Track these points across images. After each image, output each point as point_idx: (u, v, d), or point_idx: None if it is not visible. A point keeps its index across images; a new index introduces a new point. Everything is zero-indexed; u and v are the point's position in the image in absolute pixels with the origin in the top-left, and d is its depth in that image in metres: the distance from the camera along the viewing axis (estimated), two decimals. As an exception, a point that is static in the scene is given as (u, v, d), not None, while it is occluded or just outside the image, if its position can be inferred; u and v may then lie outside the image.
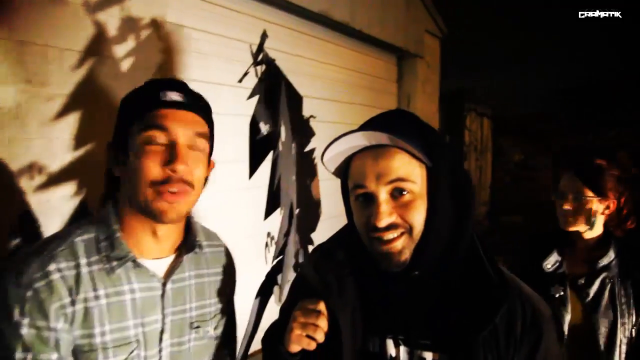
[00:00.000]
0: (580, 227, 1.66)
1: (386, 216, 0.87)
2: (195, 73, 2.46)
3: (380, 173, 0.88)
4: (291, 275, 1.81)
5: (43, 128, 1.67)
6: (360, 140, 0.91)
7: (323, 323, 0.90)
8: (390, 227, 0.88)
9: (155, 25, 2.04)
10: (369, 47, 4.14)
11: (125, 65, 1.92)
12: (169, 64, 2.17)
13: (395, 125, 0.90)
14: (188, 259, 1.05)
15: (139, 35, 1.99)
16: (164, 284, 0.99)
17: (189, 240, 1.05)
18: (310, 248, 1.87)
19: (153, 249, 1.00)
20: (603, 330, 1.61)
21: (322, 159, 0.96)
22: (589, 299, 1.64)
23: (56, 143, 1.71)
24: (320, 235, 2.33)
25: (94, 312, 0.90)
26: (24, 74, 1.62)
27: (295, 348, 0.92)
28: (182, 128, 0.94)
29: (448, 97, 6.93)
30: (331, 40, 3.62)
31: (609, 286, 1.63)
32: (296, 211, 1.79)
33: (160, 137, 0.93)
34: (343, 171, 0.99)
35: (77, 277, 0.90)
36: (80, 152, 1.77)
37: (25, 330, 0.84)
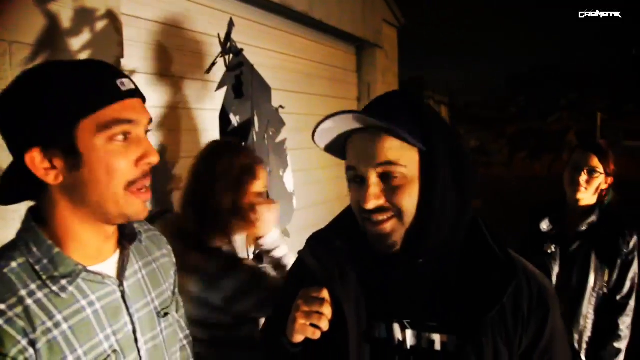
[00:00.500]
0: (587, 196, 2.00)
1: (373, 198, 0.86)
2: (153, 66, 2.38)
3: (369, 155, 0.87)
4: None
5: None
6: (352, 122, 0.89)
7: (327, 311, 0.88)
8: (378, 209, 0.87)
9: (111, 17, 1.95)
10: (328, 38, 4.13)
11: (82, 58, 1.83)
12: (126, 57, 2.09)
13: (388, 109, 0.88)
14: (131, 251, 0.97)
15: (94, 27, 1.89)
16: (121, 284, 0.91)
17: (128, 230, 0.96)
18: (286, 240, 1.84)
19: (100, 251, 0.90)
20: (575, 281, 1.95)
21: (312, 136, 0.94)
22: (569, 254, 1.99)
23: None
24: (295, 226, 2.31)
25: (60, 341, 0.80)
26: (-29, 69, 1.51)
27: (299, 338, 0.89)
28: (144, 118, 0.87)
29: (407, 86, 7.03)
30: (291, 32, 3.59)
31: (587, 246, 1.97)
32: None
33: (129, 131, 0.83)
34: (340, 150, 0.97)
35: (26, 313, 0.78)
36: (38, 151, 1.68)
37: None
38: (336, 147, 0.97)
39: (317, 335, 0.88)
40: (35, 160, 0.80)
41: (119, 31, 1.99)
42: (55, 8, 1.75)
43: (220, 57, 1.67)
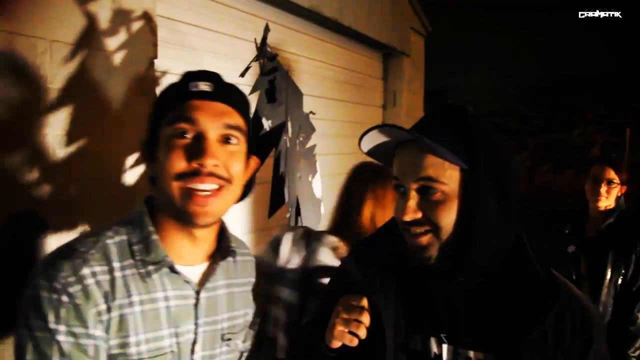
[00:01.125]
0: (607, 203, 2.32)
1: (411, 212, 0.88)
2: (186, 67, 2.41)
3: (411, 169, 0.88)
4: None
5: (33, 123, 1.60)
6: (399, 134, 0.91)
7: (366, 319, 0.88)
8: (416, 222, 0.89)
9: (146, 18, 1.98)
10: (356, 44, 4.14)
11: (117, 58, 1.86)
12: (160, 58, 2.12)
13: (433, 125, 0.90)
14: (220, 266, 0.98)
15: (129, 28, 1.93)
16: (198, 292, 0.93)
17: (223, 246, 0.99)
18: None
19: (188, 254, 0.93)
20: (594, 276, 2.25)
21: (359, 142, 0.95)
22: (589, 252, 2.31)
23: (48, 138, 1.64)
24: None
25: (129, 319, 0.84)
26: (13, 66, 1.55)
27: (336, 344, 0.90)
28: (211, 120, 0.88)
29: (432, 95, 6.97)
30: (320, 37, 3.60)
31: (606, 244, 2.27)
32: (302, 209, 1.76)
33: (188, 130, 0.87)
34: (390, 160, 0.99)
35: (112, 283, 0.84)
36: (73, 147, 1.71)
37: (62, 338, 0.78)
38: (385, 155, 0.98)
39: (354, 342, 0.88)
40: (143, 153, 0.96)
41: (153, 32, 2.02)
42: (93, 8, 1.78)
43: (255, 61, 1.69)
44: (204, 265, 0.96)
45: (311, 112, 1.81)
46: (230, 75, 2.76)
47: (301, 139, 1.75)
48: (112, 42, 1.85)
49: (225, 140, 0.90)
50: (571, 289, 0.91)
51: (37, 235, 1.63)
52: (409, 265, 0.94)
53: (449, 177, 0.86)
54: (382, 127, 0.90)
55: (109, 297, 0.83)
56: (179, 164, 0.85)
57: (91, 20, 1.77)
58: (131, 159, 1.91)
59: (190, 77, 0.92)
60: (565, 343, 0.84)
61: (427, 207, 0.88)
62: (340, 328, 0.88)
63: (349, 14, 3.62)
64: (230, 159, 0.90)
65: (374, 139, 0.93)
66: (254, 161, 1.01)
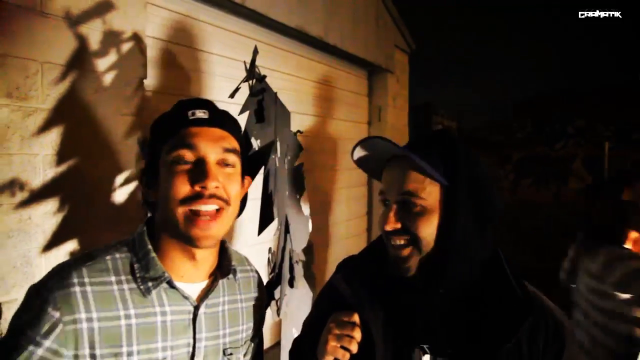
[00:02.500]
0: None
1: (392, 222, 0.95)
2: (175, 87, 2.45)
3: (395, 184, 0.96)
4: (288, 289, 1.81)
5: (24, 143, 1.62)
6: (387, 148, 0.98)
7: (357, 335, 0.93)
8: (396, 232, 0.95)
9: (136, 39, 2.02)
10: (341, 62, 4.21)
11: (107, 79, 1.89)
12: (149, 79, 2.15)
13: (419, 145, 0.97)
14: (223, 283, 1.02)
15: (119, 49, 1.96)
16: (197, 308, 0.96)
17: (224, 264, 1.03)
18: (301, 263, 1.87)
19: (190, 273, 0.97)
20: None
21: (351, 155, 1.03)
22: None
23: (38, 159, 1.66)
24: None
25: (122, 331, 0.87)
26: (4, 87, 1.57)
27: (329, 359, 0.93)
28: (210, 144, 0.93)
29: (416, 111, 7.09)
30: (305, 56, 3.67)
31: None
32: (290, 226, 1.79)
33: (189, 156, 0.91)
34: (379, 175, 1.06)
35: (103, 295, 0.87)
36: (63, 167, 1.73)
37: (24, 342, 0.80)
38: (375, 171, 1.06)
39: (346, 357, 0.92)
40: (141, 181, 0.99)
41: (143, 53, 2.06)
42: (84, 30, 1.82)
43: (244, 82, 1.73)
44: (205, 283, 1.00)
45: (299, 131, 1.85)
46: (218, 95, 2.82)
47: (289, 157, 1.79)
48: (102, 63, 1.88)
49: (223, 163, 0.95)
50: (544, 301, 0.96)
51: (28, 253, 1.64)
52: (393, 280, 0.99)
53: (428, 192, 0.93)
54: (374, 139, 0.97)
55: (94, 307, 0.85)
56: (183, 189, 0.90)
57: (82, 41, 1.80)
58: (120, 178, 1.93)
59: (187, 105, 0.97)
60: (539, 352, 0.90)
61: (406, 218, 0.95)
62: (333, 343, 0.93)
63: (334, 33, 3.70)
64: (228, 181, 0.94)
65: (365, 150, 1.01)
66: (248, 181, 1.06)
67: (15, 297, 1.59)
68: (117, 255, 0.93)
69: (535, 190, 18.52)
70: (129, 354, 0.87)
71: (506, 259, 0.99)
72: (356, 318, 0.94)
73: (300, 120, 3.50)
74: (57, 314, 0.82)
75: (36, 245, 1.66)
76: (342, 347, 0.92)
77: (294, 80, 3.52)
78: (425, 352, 0.94)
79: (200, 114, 0.95)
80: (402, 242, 0.94)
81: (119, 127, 1.93)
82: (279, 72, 3.32)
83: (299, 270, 1.84)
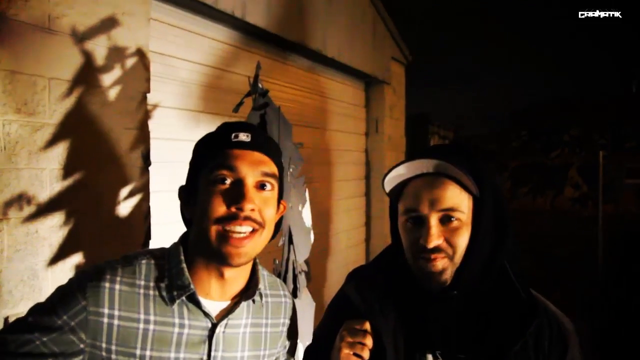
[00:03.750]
0: None
1: (435, 239, 0.95)
2: (178, 100, 2.49)
3: (433, 200, 0.96)
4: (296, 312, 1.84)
5: (32, 158, 1.66)
6: (418, 167, 0.99)
7: (369, 342, 0.96)
8: (436, 249, 0.96)
9: (140, 54, 2.06)
10: (339, 74, 4.27)
11: (112, 94, 1.93)
12: (153, 93, 2.19)
13: (451, 156, 0.98)
14: (248, 305, 1.02)
15: (123, 64, 2.00)
16: (215, 326, 0.97)
17: (251, 287, 1.03)
18: (304, 274, 1.90)
19: (216, 291, 0.98)
20: None
21: (382, 182, 1.04)
22: None
23: (45, 173, 1.69)
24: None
25: (139, 334, 0.90)
26: (13, 103, 1.61)
27: None
28: (250, 167, 0.95)
29: (413, 121, 7.14)
30: (304, 68, 3.72)
31: None
32: (293, 237, 1.82)
33: (228, 177, 0.93)
34: (395, 193, 1.06)
35: (129, 295, 0.90)
36: (69, 181, 1.76)
37: (53, 315, 0.86)
38: (395, 188, 1.06)
39: None
40: (181, 197, 1.02)
41: (147, 67, 2.10)
42: (90, 47, 1.86)
43: (247, 97, 1.77)
44: (227, 303, 1.01)
45: (300, 144, 1.89)
46: (221, 108, 2.86)
47: (291, 170, 1.83)
48: (107, 78, 1.92)
49: (261, 186, 0.97)
50: (548, 305, 1.01)
51: (35, 267, 1.66)
52: (407, 290, 1.02)
53: (465, 206, 0.96)
54: (410, 161, 0.98)
55: (120, 306, 0.89)
56: (220, 208, 0.92)
57: (88, 57, 1.84)
58: (125, 190, 1.96)
59: (231, 127, 0.99)
60: (544, 353, 0.94)
61: (447, 233, 0.96)
62: (346, 351, 0.95)
63: (332, 46, 3.76)
64: (264, 205, 0.96)
65: (398, 177, 1.02)
66: (283, 205, 1.07)
67: (23, 310, 1.61)
68: (152, 261, 0.96)
69: (531, 198, 18.60)
70: (142, 357, 0.89)
71: (512, 268, 1.03)
72: (368, 326, 0.97)
73: (299, 132, 3.54)
74: (84, 302, 0.87)
75: (43, 259, 1.68)
76: (355, 354, 0.95)
77: (292, 92, 3.56)
78: (437, 358, 0.97)
79: (243, 137, 0.97)
80: (440, 256, 0.96)
81: (124, 140, 1.96)
82: (279, 84, 3.37)
83: (302, 280, 1.87)
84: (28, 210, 1.64)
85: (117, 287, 0.90)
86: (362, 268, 1.15)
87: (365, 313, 1.01)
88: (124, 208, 1.96)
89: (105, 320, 0.88)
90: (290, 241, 1.79)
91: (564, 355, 0.95)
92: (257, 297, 1.03)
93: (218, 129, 1.02)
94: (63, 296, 0.88)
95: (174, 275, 0.94)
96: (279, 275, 1.82)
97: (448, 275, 0.97)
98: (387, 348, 0.97)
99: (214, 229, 0.92)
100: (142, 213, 2.02)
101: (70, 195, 1.76)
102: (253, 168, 0.95)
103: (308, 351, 1.14)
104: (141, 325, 0.90)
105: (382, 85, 4.85)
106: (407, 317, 1.01)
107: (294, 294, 1.80)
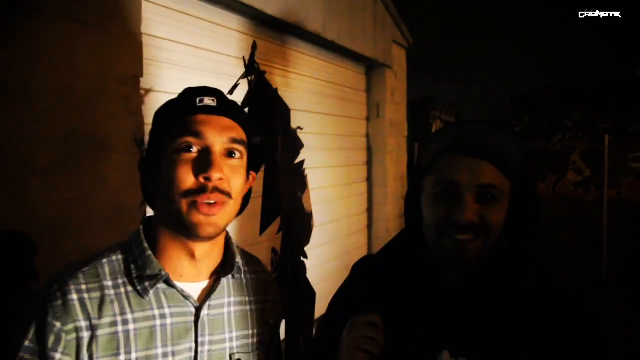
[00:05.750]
0: None
1: (472, 213, 0.89)
2: (172, 85, 2.41)
3: (475, 174, 0.90)
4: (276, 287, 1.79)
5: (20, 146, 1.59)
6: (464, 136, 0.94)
7: (380, 337, 0.88)
8: (468, 227, 0.89)
9: (132, 36, 1.99)
10: (339, 58, 4.18)
11: (102, 77, 1.86)
12: (145, 76, 2.12)
13: (496, 140, 0.92)
14: (228, 283, 0.97)
15: (115, 47, 1.93)
16: (199, 309, 0.91)
17: (228, 262, 0.97)
18: (305, 261, 1.85)
19: (189, 271, 0.92)
20: None
21: (421, 148, 0.99)
22: None
23: (35, 160, 1.63)
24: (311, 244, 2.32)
25: (120, 337, 0.83)
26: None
27: None
28: (217, 134, 0.87)
29: (415, 105, 7.05)
30: (304, 52, 3.64)
31: None
32: (293, 224, 1.76)
33: (194, 144, 0.86)
34: (424, 167, 0.99)
35: (101, 300, 0.83)
36: (60, 169, 1.70)
37: (21, 353, 0.78)
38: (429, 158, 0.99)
39: None
40: (141, 171, 0.93)
41: (139, 50, 2.02)
42: (79, 28, 1.78)
43: (243, 78, 1.70)
44: (206, 282, 0.94)
45: (299, 128, 1.82)
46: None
47: (290, 154, 1.76)
48: (97, 62, 1.85)
49: (229, 154, 0.89)
50: (573, 298, 0.93)
51: (26, 255, 1.61)
52: (422, 279, 0.95)
53: (506, 186, 0.91)
54: (476, 125, 0.94)
55: (94, 315, 0.82)
56: (187, 179, 0.85)
57: (77, 39, 1.77)
58: (118, 179, 1.90)
59: (194, 92, 0.92)
60: (568, 348, 0.87)
61: (484, 210, 0.89)
62: (355, 347, 0.88)
63: (332, 28, 3.67)
64: (233, 174, 0.89)
65: (451, 135, 0.96)
66: (252, 176, 1.00)
67: (15, 303, 1.56)
68: (113, 258, 0.88)
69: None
70: None
71: (536, 257, 0.97)
72: (377, 319, 0.89)
73: (300, 117, 3.46)
74: (58, 324, 0.80)
75: (34, 247, 1.62)
76: (364, 350, 0.88)
77: (292, 76, 3.48)
78: (455, 356, 0.90)
79: (209, 101, 0.90)
80: (471, 236, 0.89)
81: (116, 126, 1.90)
82: (277, 68, 3.29)
83: (302, 269, 1.82)
84: (19, 200, 1.58)
85: (86, 295, 0.83)
86: (369, 257, 1.08)
87: (373, 306, 0.93)
88: (118, 195, 1.90)
89: (85, 334, 0.81)
90: (290, 229, 1.73)
91: (590, 353, 0.87)
92: (236, 273, 0.97)
93: (181, 94, 0.93)
94: (33, 330, 0.80)
95: (141, 265, 0.87)
96: (278, 264, 1.77)
97: (476, 256, 0.90)
98: (399, 344, 0.90)
99: (183, 202, 0.85)
100: (137, 200, 1.96)
101: (61, 184, 1.70)
102: (220, 134, 0.88)
103: (314, 345, 1.07)
104: (120, 328, 0.83)
105: (383, 68, 4.77)
106: (421, 310, 0.93)
107: (294, 283, 1.75)
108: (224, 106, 0.91)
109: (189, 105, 0.89)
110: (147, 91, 2.28)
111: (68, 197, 1.72)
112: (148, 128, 2.09)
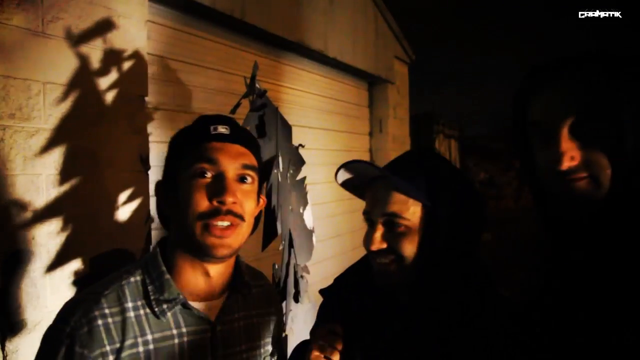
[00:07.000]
0: None
1: (377, 242, 0.97)
2: (176, 103, 2.46)
3: (379, 204, 0.98)
4: (293, 305, 1.80)
5: (27, 163, 1.63)
6: (369, 171, 1.01)
7: (339, 346, 0.95)
8: (381, 252, 0.97)
9: (137, 56, 2.03)
10: (341, 74, 4.23)
11: (109, 97, 1.90)
12: (150, 95, 2.16)
13: (401, 165, 1.00)
14: (237, 299, 1.02)
15: (120, 67, 1.97)
16: (214, 326, 0.96)
17: (238, 280, 1.03)
18: (307, 277, 1.87)
19: (204, 290, 0.97)
20: None
21: (335, 177, 1.04)
22: None
23: (41, 178, 1.66)
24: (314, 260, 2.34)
25: (141, 357, 0.87)
26: (7, 109, 1.58)
27: None
28: (230, 160, 0.93)
29: (418, 120, 7.10)
30: (306, 69, 3.69)
31: None
32: (294, 241, 1.79)
33: (209, 170, 0.92)
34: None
35: (123, 323, 0.87)
36: (66, 186, 1.73)
37: None
38: (359, 189, 1.07)
39: None
40: (158, 194, 0.99)
41: (144, 70, 2.07)
42: (85, 50, 1.83)
43: (245, 98, 1.74)
44: (219, 300, 0.99)
45: (300, 145, 1.85)
46: (220, 110, 2.83)
47: (291, 171, 1.79)
48: (103, 82, 1.89)
49: (241, 179, 0.95)
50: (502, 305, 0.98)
51: (32, 274, 1.63)
52: (378, 295, 1.02)
53: (412, 213, 0.95)
54: (354, 163, 0.99)
55: (118, 338, 0.86)
56: (202, 202, 0.90)
57: (83, 61, 1.82)
58: (123, 195, 1.93)
59: (209, 120, 0.98)
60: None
61: (391, 238, 0.96)
62: (316, 353, 0.95)
63: (334, 45, 3.72)
64: (245, 198, 0.95)
65: (348, 173, 1.03)
66: (263, 200, 1.06)
67: (21, 318, 1.58)
68: (132, 279, 0.93)
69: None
70: None
71: (481, 272, 1.00)
72: (338, 329, 0.97)
73: (302, 134, 3.50)
74: (85, 352, 0.83)
75: (40, 266, 1.65)
76: (325, 357, 0.95)
77: (294, 93, 3.53)
78: None
79: (222, 129, 0.96)
80: (387, 260, 0.97)
81: (122, 144, 1.93)
82: (279, 85, 3.33)
83: (303, 284, 1.83)
84: (24, 216, 1.62)
85: (110, 320, 0.86)
86: (345, 270, 1.15)
87: (339, 316, 1.02)
88: (123, 213, 1.93)
89: (110, 358, 0.85)
90: (291, 244, 1.75)
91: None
92: (245, 290, 1.03)
93: (195, 122, 1.00)
94: (64, 357, 0.82)
95: (158, 287, 0.92)
96: (279, 280, 1.79)
97: (395, 279, 0.97)
98: (356, 354, 0.97)
99: (197, 225, 0.90)
100: (142, 218, 1.99)
101: (68, 201, 1.74)
102: (233, 161, 0.94)
103: (296, 348, 1.13)
104: (140, 348, 0.87)
105: (385, 84, 4.81)
106: (376, 323, 1.01)
107: (296, 299, 1.77)
108: (237, 134, 0.98)
109: (203, 133, 0.95)
110: (153, 109, 2.32)
111: (73, 214, 1.75)
112: (153, 146, 2.14)
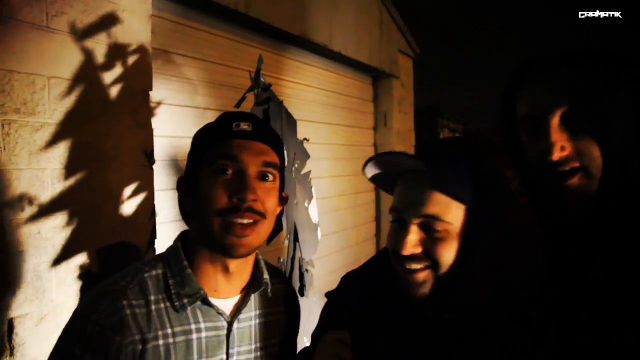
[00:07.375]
0: None
1: (410, 246, 0.84)
2: (182, 99, 2.46)
3: (415, 203, 0.85)
4: (298, 298, 1.80)
5: (32, 158, 1.63)
6: (407, 163, 0.88)
7: (346, 354, 0.87)
8: (413, 257, 0.85)
9: (141, 51, 2.03)
10: (345, 68, 4.21)
11: (113, 92, 1.90)
12: (154, 90, 2.16)
13: (441, 155, 0.86)
14: (254, 297, 1.02)
15: (125, 62, 1.97)
16: (230, 323, 0.96)
17: (257, 278, 1.02)
18: (312, 271, 1.87)
19: (223, 287, 0.97)
20: None
21: (363, 167, 0.93)
22: None
23: (46, 173, 1.67)
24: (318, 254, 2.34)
25: (161, 350, 0.88)
26: (12, 103, 1.58)
27: None
28: (251, 157, 0.93)
29: (422, 114, 7.08)
30: (310, 63, 3.68)
31: None
32: (299, 234, 1.79)
33: (229, 167, 0.92)
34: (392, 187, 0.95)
35: (148, 315, 0.88)
36: (71, 181, 1.73)
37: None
38: (387, 180, 0.95)
39: None
40: (180, 189, 0.99)
41: (148, 64, 2.07)
42: (90, 44, 1.83)
43: (249, 92, 1.73)
44: (237, 297, 1.00)
45: (305, 139, 1.85)
46: (225, 104, 2.83)
47: (296, 165, 1.79)
48: (108, 76, 1.89)
49: (263, 177, 0.94)
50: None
51: (38, 267, 1.64)
52: (397, 301, 0.91)
53: (454, 216, 0.83)
54: (389, 156, 0.88)
55: (144, 329, 0.87)
56: (222, 199, 0.90)
57: (88, 55, 1.82)
58: (128, 190, 1.94)
59: (231, 117, 0.97)
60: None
61: (428, 243, 0.84)
62: None
63: (338, 39, 3.71)
64: (266, 195, 0.94)
65: (378, 168, 0.91)
66: (285, 197, 1.05)
67: (27, 312, 1.59)
68: (153, 272, 0.94)
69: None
70: None
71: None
72: (346, 337, 0.89)
73: (306, 128, 3.50)
74: (118, 339, 0.84)
75: (46, 259, 1.66)
76: None
77: (298, 87, 3.52)
78: None
79: (245, 126, 0.95)
80: (420, 266, 0.84)
81: (127, 139, 1.94)
82: (284, 80, 3.33)
83: (308, 278, 1.84)
84: (30, 210, 1.62)
85: (137, 310, 0.88)
86: (354, 271, 1.07)
87: (348, 322, 0.93)
88: (128, 207, 1.93)
89: (139, 347, 0.86)
90: (296, 238, 1.75)
91: None
92: (263, 289, 1.02)
93: (218, 119, 1.00)
94: (92, 345, 0.83)
95: (179, 282, 0.92)
96: (284, 274, 1.80)
97: (427, 289, 0.85)
98: None
99: (216, 221, 0.90)
100: (147, 212, 1.99)
101: (73, 195, 1.74)
102: (255, 158, 0.93)
103: (299, 355, 1.10)
104: (161, 341, 0.88)
105: (390, 78, 4.79)
106: (393, 331, 0.91)
107: (301, 293, 1.77)
108: (259, 131, 0.97)
109: (225, 130, 0.95)
110: (157, 104, 2.32)
111: (78, 208, 1.75)
112: (157, 140, 2.14)
